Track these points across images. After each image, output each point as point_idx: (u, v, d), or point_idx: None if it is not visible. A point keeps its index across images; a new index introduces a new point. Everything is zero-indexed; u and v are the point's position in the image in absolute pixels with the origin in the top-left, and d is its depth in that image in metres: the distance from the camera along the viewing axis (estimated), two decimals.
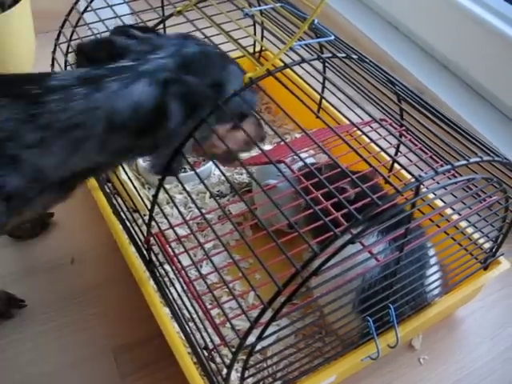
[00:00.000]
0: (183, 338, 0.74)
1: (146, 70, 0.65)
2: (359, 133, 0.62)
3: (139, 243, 0.83)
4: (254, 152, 0.93)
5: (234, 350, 0.58)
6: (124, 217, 0.89)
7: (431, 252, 0.77)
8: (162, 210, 0.71)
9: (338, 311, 0.67)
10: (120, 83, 0.63)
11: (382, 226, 0.68)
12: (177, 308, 0.75)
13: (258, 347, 0.60)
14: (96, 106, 0.62)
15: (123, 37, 0.71)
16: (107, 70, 0.65)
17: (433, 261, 0.76)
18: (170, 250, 0.70)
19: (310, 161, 1.01)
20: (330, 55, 0.69)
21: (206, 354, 0.69)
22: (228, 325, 0.78)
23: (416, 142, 0.72)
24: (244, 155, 0.95)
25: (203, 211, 0.72)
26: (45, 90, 0.62)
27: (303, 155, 0.86)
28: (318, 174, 0.59)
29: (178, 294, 0.74)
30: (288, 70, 0.66)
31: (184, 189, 0.68)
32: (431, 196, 0.78)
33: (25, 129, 0.60)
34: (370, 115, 0.64)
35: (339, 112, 0.67)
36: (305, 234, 0.56)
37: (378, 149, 0.59)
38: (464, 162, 0.57)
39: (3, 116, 0.60)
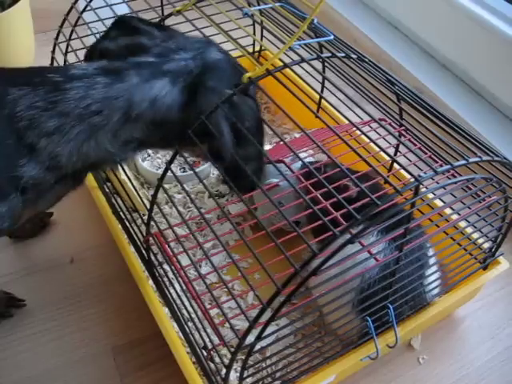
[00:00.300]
0: (182, 337, 0.74)
1: (169, 68, 0.67)
2: (359, 132, 0.62)
3: (138, 243, 0.83)
4: None
5: (233, 349, 0.58)
6: (123, 216, 0.89)
7: (430, 252, 0.77)
8: (161, 209, 0.71)
9: (337, 311, 0.67)
10: (141, 77, 0.65)
11: (381, 226, 0.68)
12: (176, 308, 0.75)
13: (257, 347, 0.60)
14: (116, 95, 0.64)
15: (146, 37, 0.72)
16: (129, 63, 0.67)
17: (432, 261, 0.76)
18: (169, 249, 0.70)
19: (309, 160, 1.01)
20: (329, 55, 0.69)
21: (205, 353, 0.69)
22: (227, 325, 0.78)
23: (415, 142, 0.72)
24: None
25: (202, 211, 0.72)
26: (67, 78, 0.64)
27: (303, 155, 0.85)
28: (316, 173, 0.58)
29: (177, 294, 0.74)
30: (287, 69, 0.66)
31: (183, 188, 0.68)
32: (431, 196, 0.78)
33: (44, 116, 0.63)
34: (369, 115, 0.64)
35: (338, 112, 0.67)
36: (306, 233, 0.56)
37: (377, 149, 0.59)
38: (463, 161, 0.57)
39: (24, 105, 0.63)
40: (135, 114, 0.66)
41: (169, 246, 0.70)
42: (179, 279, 0.69)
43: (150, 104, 0.66)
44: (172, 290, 0.76)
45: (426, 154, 0.71)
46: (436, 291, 0.78)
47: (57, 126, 0.63)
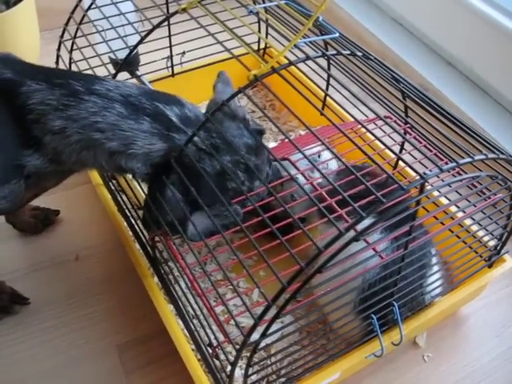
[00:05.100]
0: (187, 334, 0.74)
1: (173, 137, 0.68)
2: (364, 130, 0.62)
3: (144, 240, 0.84)
4: None
5: (238, 347, 0.58)
6: (129, 214, 0.89)
7: (432, 252, 0.77)
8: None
9: (342, 309, 0.67)
10: (151, 130, 0.67)
11: (386, 224, 0.68)
12: (181, 305, 0.76)
13: (262, 344, 0.60)
14: (124, 128, 0.67)
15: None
16: (153, 110, 0.68)
17: (433, 261, 0.76)
18: (174, 247, 0.70)
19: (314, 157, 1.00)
20: (334, 52, 0.69)
21: (210, 350, 0.69)
22: (232, 322, 0.78)
23: (421, 140, 0.71)
24: None
25: None
26: (87, 90, 0.67)
27: (316, 149, 0.85)
28: (322, 174, 0.58)
29: (183, 291, 0.74)
30: (292, 67, 0.66)
31: (189, 187, 0.68)
32: (436, 193, 0.78)
33: (53, 115, 0.66)
34: (374, 112, 0.64)
35: (343, 109, 0.66)
36: (313, 229, 0.55)
37: (382, 146, 0.59)
38: (469, 159, 0.57)
39: (37, 99, 0.66)
40: (130, 153, 0.68)
41: (174, 244, 0.70)
42: (184, 277, 0.69)
43: (144, 154, 0.68)
44: (177, 288, 0.76)
45: (431, 151, 0.71)
46: (436, 292, 0.78)
47: (62, 127, 0.66)
